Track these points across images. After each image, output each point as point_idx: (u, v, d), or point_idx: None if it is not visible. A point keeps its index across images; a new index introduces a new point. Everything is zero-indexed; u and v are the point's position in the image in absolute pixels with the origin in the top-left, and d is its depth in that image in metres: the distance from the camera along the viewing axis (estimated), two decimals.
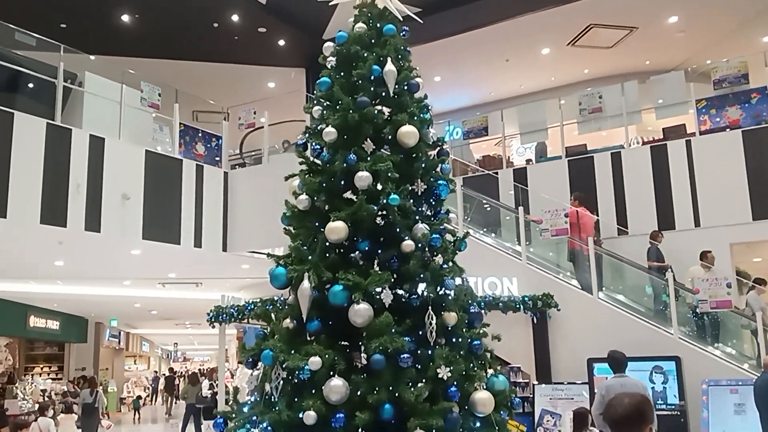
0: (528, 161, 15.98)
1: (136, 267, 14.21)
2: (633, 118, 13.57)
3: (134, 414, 24.16)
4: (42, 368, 23.12)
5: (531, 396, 9.76)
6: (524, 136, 15.52)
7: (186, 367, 44.07)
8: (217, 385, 15.56)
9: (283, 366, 3.75)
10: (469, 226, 11.65)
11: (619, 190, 12.62)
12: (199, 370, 35.52)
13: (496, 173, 14.11)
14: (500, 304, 9.91)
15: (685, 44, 17.02)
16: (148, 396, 31.69)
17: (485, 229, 12.44)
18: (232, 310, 11.02)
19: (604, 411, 3.48)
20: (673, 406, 8.74)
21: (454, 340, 4.06)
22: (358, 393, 3.66)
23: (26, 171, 9.51)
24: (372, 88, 4.36)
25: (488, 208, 12.77)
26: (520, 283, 10.47)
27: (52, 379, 22.19)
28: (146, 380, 34.09)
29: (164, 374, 35.09)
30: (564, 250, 11.56)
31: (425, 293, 4.01)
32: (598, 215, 12.32)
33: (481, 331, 4.27)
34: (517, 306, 9.93)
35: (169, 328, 31.43)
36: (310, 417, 3.57)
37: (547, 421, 9.33)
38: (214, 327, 11.65)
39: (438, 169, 4.44)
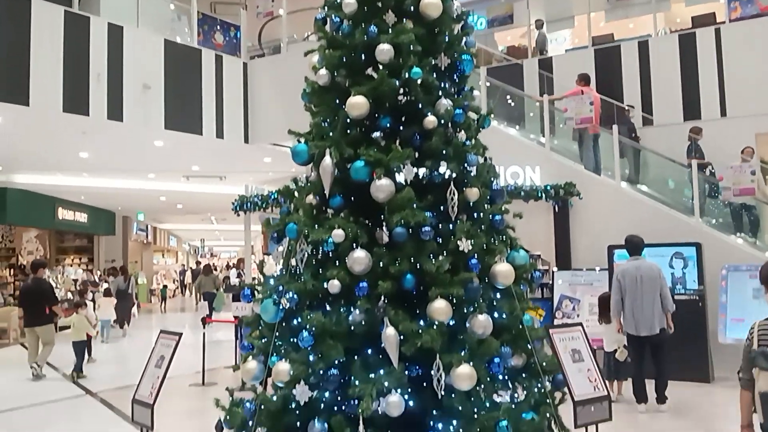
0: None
1: (160, 159, 14.35)
2: (661, 5, 13.12)
3: (161, 303, 25.21)
4: (72, 259, 23.85)
5: (550, 283, 9.91)
6: (550, 24, 15.04)
7: (213, 263, 45.25)
8: (244, 273, 16.17)
9: (308, 239, 3.82)
10: (492, 119, 11.47)
11: (645, 80, 12.33)
12: (227, 264, 36.46)
13: (521, 63, 13.78)
14: (522, 192, 9.92)
15: None
16: (177, 288, 32.76)
17: (508, 122, 12.29)
18: (256, 199, 11.16)
19: (761, 269, 3.51)
20: (692, 291, 8.84)
21: (475, 215, 4.08)
22: (381, 264, 3.73)
23: (46, 59, 9.49)
24: None
25: (512, 103, 12.56)
26: (543, 172, 10.43)
27: (83, 269, 22.93)
28: (174, 273, 35.16)
29: (191, 267, 36.14)
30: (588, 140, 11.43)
31: (447, 170, 4.00)
32: (623, 103, 12.10)
33: (503, 208, 4.28)
34: (539, 194, 9.93)
35: (195, 223, 32.07)
36: (334, 286, 3.66)
37: (566, 305, 9.52)
38: (239, 215, 11.83)
39: (462, 43, 4.32)
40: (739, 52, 11.46)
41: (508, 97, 12.50)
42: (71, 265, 23.13)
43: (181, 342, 4.03)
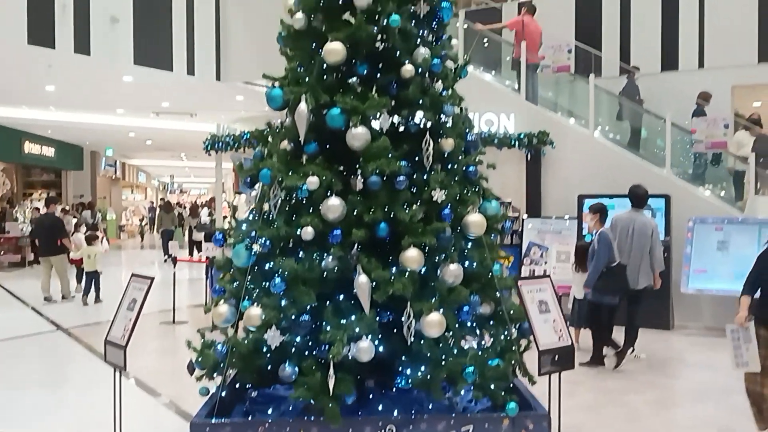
0: None
1: (129, 95, 14.04)
2: None
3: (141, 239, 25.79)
4: (40, 194, 23.48)
5: (520, 229, 10.04)
6: None
7: (182, 200, 44.92)
8: (215, 212, 16.15)
9: (282, 185, 3.80)
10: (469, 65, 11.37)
11: (625, 27, 12.27)
12: (196, 201, 36.20)
13: (500, 5, 13.59)
14: (496, 140, 9.92)
15: None
16: (146, 224, 32.57)
17: (485, 67, 12.17)
18: (228, 138, 11.01)
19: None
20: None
21: (449, 165, 4.09)
22: (355, 212, 3.74)
23: None
24: None
25: (488, 46, 12.41)
26: (517, 119, 10.42)
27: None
28: (143, 210, 34.84)
29: (160, 204, 35.87)
30: (565, 89, 11.45)
31: (423, 119, 3.99)
32: (601, 52, 12.06)
33: (477, 159, 4.29)
34: (513, 142, 9.95)
35: (165, 159, 31.64)
36: (307, 233, 3.67)
37: (534, 252, 9.67)
38: (210, 155, 11.70)
39: None
40: (721, 2, 11.43)
41: (486, 40, 12.35)
42: (39, 200, 22.79)
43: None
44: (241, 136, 10.75)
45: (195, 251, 18.39)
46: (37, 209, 17.70)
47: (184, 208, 28.70)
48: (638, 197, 7.41)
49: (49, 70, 11.15)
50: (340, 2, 4.04)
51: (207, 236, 16.37)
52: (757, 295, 4.66)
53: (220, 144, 11.11)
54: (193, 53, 11.56)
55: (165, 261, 18.30)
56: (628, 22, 12.20)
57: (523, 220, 10.08)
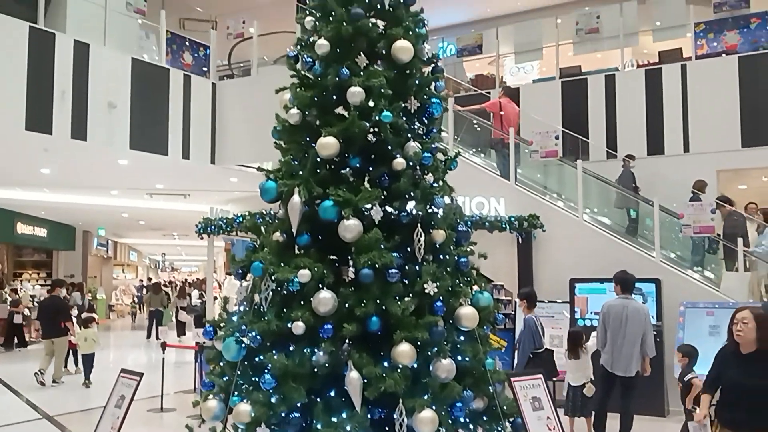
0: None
1: (124, 177, 14.15)
2: (630, 40, 13.38)
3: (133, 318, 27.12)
4: (31, 274, 23.34)
5: (513, 313, 9.99)
6: (519, 55, 15.30)
7: (173, 277, 44.65)
8: (205, 294, 16.08)
9: (273, 277, 3.80)
10: (459, 146, 11.62)
11: (611, 113, 12.57)
12: (185, 281, 35.98)
13: (489, 93, 13.95)
14: (487, 223, 9.99)
15: None
16: (136, 304, 32.24)
17: (475, 149, 12.41)
18: (220, 222, 11.06)
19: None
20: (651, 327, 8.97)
21: (441, 257, 4.12)
22: (346, 305, 3.74)
23: (9, 76, 9.32)
24: (367, 0, 4.24)
25: (479, 129, 12.69)
26: (508, 203, 10.53)
27: (41, 285, 22.44)
28: (134, 289, 34.56)
29: (148, 285, 35.62)
30: (553, 171, 11.63)
31: (414, 211, 4.04)
32: (588, 138, 12.31)
33: (468, 249, 4.33)
34: (504, 226, 10.01)
35: (157, 239, 31.63)
36: (298, 327, 3.65)
37: None
38: (202, 239, 11.72)
39: (432, 87, 4.38)
40: (705, 89, 11.74)
41: (475, 123, 12.62)
42: (29, 281, 22.64)
43: (140, 363, 3.97)
44: (234, 219, 10.80)
45: (182, 332, 18.40)
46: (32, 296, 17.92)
47: (174, 287, 28.67)
48: (628, 282, 7.39)
49: (45, 154, 11.27)
50: (334, 98, 4.16)
51: (197, 319, 16.30)
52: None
53: (213, 228, 11.15)
54: (188, 138, 11.73)
55: (148, 339, 18.33)
56: (614, 108, 12.51)
57: (515, 303, 10.04)
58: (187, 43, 13.16)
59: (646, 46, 14.56)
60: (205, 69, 13.10)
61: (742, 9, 11.96)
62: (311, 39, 4.29)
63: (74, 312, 14.66)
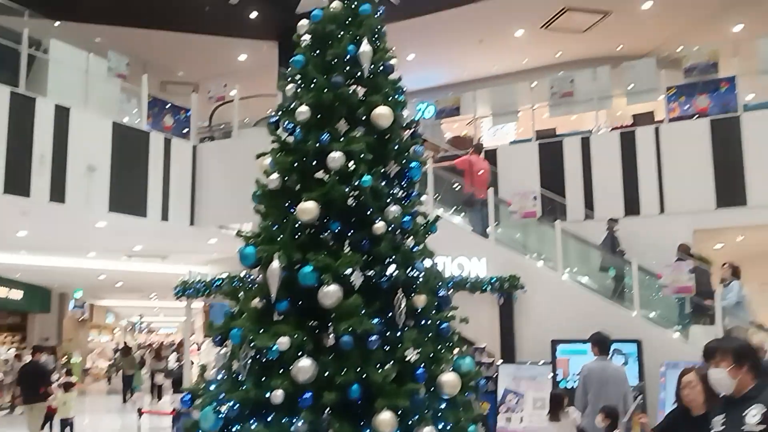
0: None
1: (102, 239, 14.04)
2: (603, 104, 13.68)
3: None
4: (5, 338, 22.80)
5: (495, 375, 9.89)
6: (496, 117, 15.56)
7: (149, 339, 43.80)
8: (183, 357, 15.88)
9: (252, 345, 3.75)
10: (439, 205, 11.72)
11: (587, 175, 12.72)
12: (162, 343, 35.30)
13: (467, 153, 14.12)
14: (468, 284, 10.00)
15: (657, 30, 17.16)
16: (112, 367, 31.53)
17: (455, 209, 12.49)
18: (198, 285, 10.95)
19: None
20: (632, 387, 8.92)
21: (422, 322, 4.09)
22: (326, 373, 3.67)
23: None
24: (347, 68, 4.31)
25: (458, 188, 12.80)
26: (489, 263, 10.56)
27: (15, 348, 21.90)
28: (110, 351, 33.82)
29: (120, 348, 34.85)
30: (533, 232, 11.71)
31: (395, 275, 4.03)
32: (565, 198, 12.45)
33: (449, 315, 4.30)
34: (485, 287, 10.03)
35: (134, 300, 31.17)
36: (277, 396, 3.58)
37: (510, 400, 9.48)
38: (181, 301, 11.58)
39: (411, 151, 4.43)
40: (678, 151, 11.95)
41: (455, 183, 12.73)
42: (3, 344, 22.11)
43: (114, 429, 3.82)
44: (213, 282, 10.70)
45: (157, 395, 18.14)
46: (18, 356, 17.71)
47: (149, 349, 28.15)
48: (605, 343, 7.45)
49: (23, 217, 11.17)
50: (314, 163, 4.18)
51: (175, 383, 15.97)
52: None
53: (191, 291, 11.03)
54: (168, 200, 11.72)
55: (124, 403, 18.02)
56: (590, 169, 12.68)
57: (497, 366, 9.96)
58: (168, 106, 13.27)
59: (620, 109, 14.90)
60: (185, 131, 13.19)
61: (711, 74, 12.31)
62: (292, 105, 4.35)
63: (54, 377, 14.43)
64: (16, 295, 21.56)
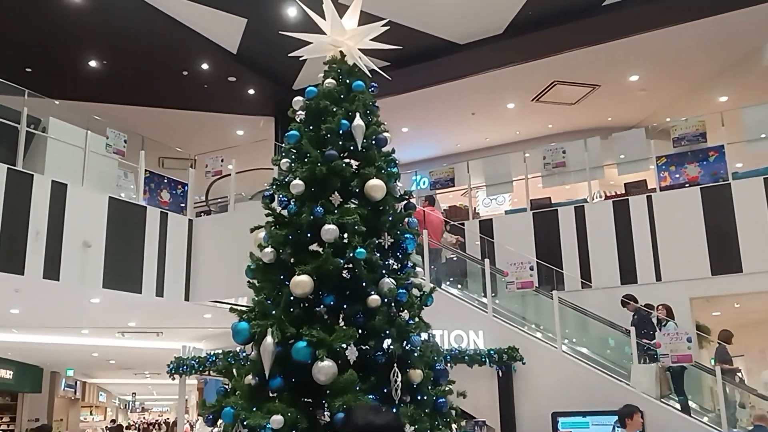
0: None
1: (95, 316, 13.87)
2: (595, 173, 13.82)
3: None
4: None
5: None
6: (490, 188, 15.70)
7: (144, 418, 42.85)
8: None
9: (245, 424, 3.66)
10: (435, 277, 11.67)
11: (583, 244, 12.75)
12: (156, 421, 34.55)
13: (462, 224, 14.18)
14: (466, 357, 9.85)
15: (645, 102, 17.53)
16: None
17: (451, 280, 12.44)
18: (192, 362, 10.77)
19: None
20: None
21: (419, 397, 4.01)
22: None
23: None
24: (340, 142, 4.39)
25: (455, 259, 12.79)
26: (486, 335, 10.44)
27: (3, 430, 21.35)
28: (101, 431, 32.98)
29: (107, 427, 33.98)
30: (530, 302, 11.63)
31: (391, 350, 3.98)
32: (563, 268, 12.42)
33: (447, 389, 4.23)
34: (483, 359, 9.88)
35: (127, 378, 30.58)
36: None
37: None
38: (174, 379, 11.36)
39: (405, 223, 4.45)
40: (671, 219, 12.02)
41: (450, 253, 12.72)
42: None
43: None
44: (207, 358, 10.54)
45: None
46: None
47: (140, 430, 27.47)
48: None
49: (16, 295, 11.06)
50: (309, 236, 4.19)
51: None
52: None
53: (185, 367, 10.85)
54: (163, 275, 11.64)
55: None
56: (585, 238, 12.71)
57: None
58: (166, 181, 13.35)
59: (612, 178, 15.05)
60: (182, 206, 13.23)
61: (700, 143, 12.50)
62: (287, 179, 4.39)
63: None
64: (7, 374, 21.14)
